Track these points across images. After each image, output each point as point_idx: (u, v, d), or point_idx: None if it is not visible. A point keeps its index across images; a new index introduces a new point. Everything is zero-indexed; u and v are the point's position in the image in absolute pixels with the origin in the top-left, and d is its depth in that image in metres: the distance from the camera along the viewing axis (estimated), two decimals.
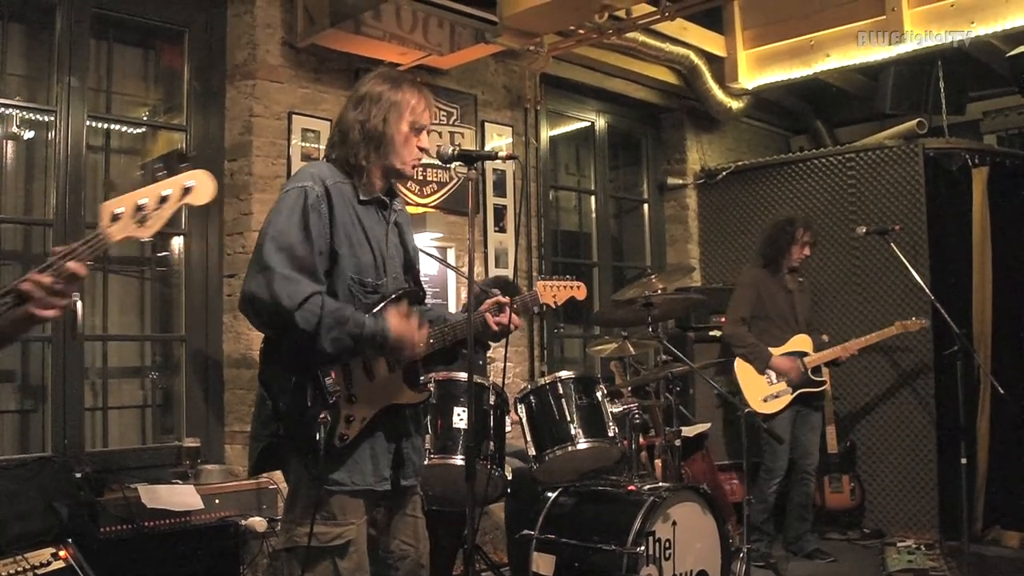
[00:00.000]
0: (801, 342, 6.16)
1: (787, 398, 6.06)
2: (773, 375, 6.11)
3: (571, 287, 3.66)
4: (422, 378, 3.21)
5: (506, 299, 3.35)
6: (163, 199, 2.28)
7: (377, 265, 3.11)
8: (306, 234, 2.92)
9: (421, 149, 3.17)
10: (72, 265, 2.14)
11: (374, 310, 3.03)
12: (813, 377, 6.08)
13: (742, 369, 6.19)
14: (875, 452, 6.91)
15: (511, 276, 6.08)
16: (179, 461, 4.92)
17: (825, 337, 6.34)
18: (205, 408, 5.27)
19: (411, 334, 3.02)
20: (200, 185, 2.34)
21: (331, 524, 2.97)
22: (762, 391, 6.10)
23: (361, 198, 3.09)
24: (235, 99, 5.37)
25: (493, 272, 6.37)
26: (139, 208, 2.25)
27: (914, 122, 7.04)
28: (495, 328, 3.31)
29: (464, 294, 5.87)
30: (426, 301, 3.42)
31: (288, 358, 2.93)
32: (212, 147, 5.36)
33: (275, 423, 2.95)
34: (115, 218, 2.23)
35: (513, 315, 3.33)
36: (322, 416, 2.90)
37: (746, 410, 5.34)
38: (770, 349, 6.14)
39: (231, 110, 5.38)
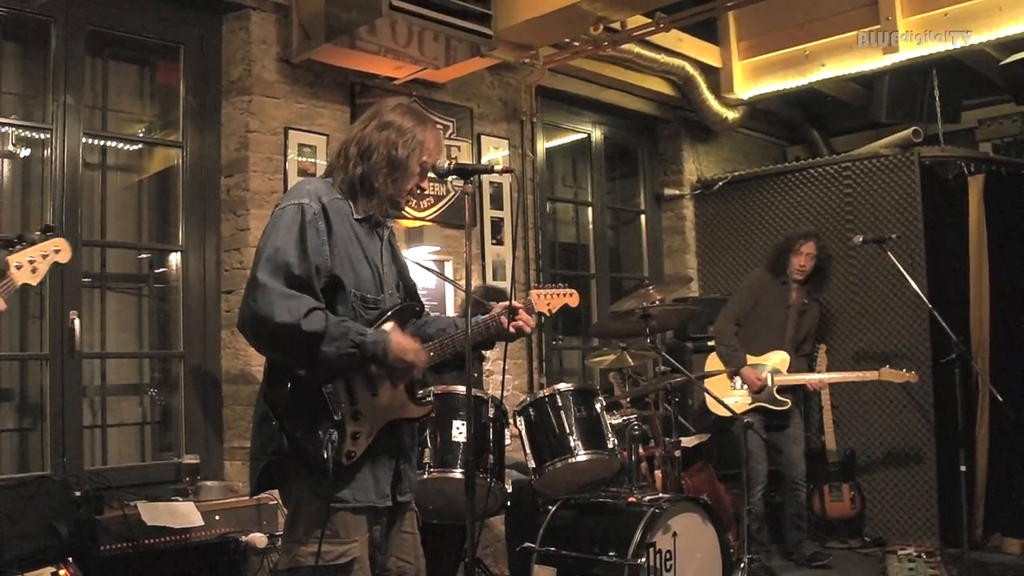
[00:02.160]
0: (777, 357, 6.18)
1: (744, 405, 6.09)
2: (739, 381, 6.15)
3: (564, 295, 3.67)
4: (419, 392, 3.22)
5: (519, 303, 3.39)
6: (44, 256, 3.35)
7: (375, 281, 3.13)
8: (303, 252, 2.93)
9: (420, 188, 3.22)
10: None
11: (374, 325, 3.04)
12: (777, 396, 6.09)
13: (712, 366, 6.24)
14: (875, 460, 6.91)
15: (508, 289, 6.07)
16: (178, 478, 4.90)
17: (823, 349, 6.33)
18: (204, 425, 5.26)
19: (412, 350, 3.04)
20: (63, 249, 3.42)
21: (335, 543, 2.96)
22: (723, 394, 6.06)
23: (356, 217, 3.12)
24: (231, 115, 5.37)
25: (491, 285, 6.35)
26: (31, 262, 3.30)
27: (909, 131, 7.06)
28: (512, 331, 3.34)
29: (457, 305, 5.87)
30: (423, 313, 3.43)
31: (292, 377, 2.94)
32: (208, 163, 5.37)
33: (278, 442, 2.95)
34: (18, 267, 3.27)
35: (527, 315, 3.37)
36: (329, 434, 2.90)
37: (746, 420, 5.33)
38: (748, 357, 6.17)
39: (227, 126, 5.39)
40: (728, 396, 6.09)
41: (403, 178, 3.15)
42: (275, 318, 2.82)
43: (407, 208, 5.87)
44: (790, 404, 6.13)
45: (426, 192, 3.26)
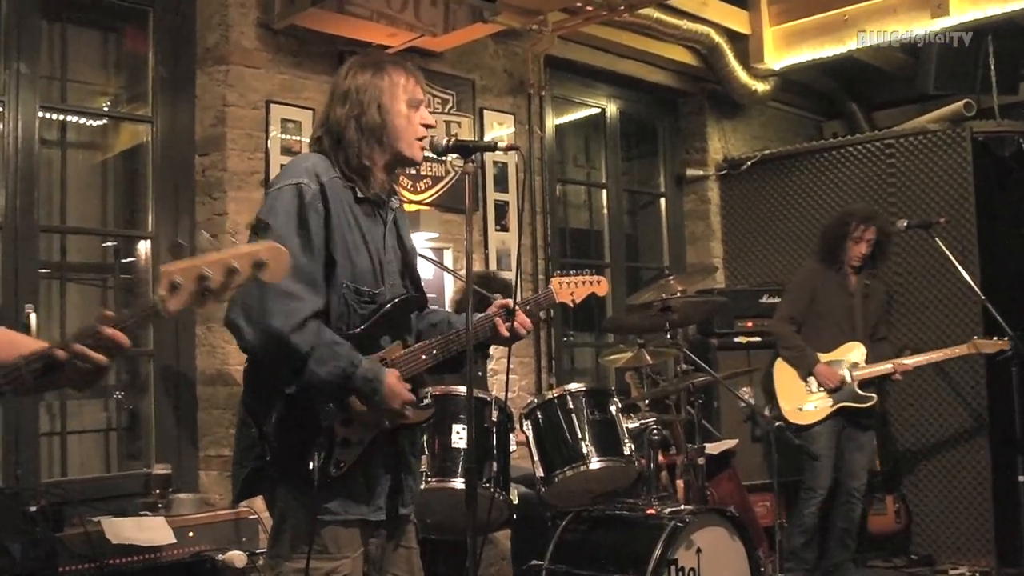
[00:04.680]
0: (852, 350, 6.06)
1: (826, 410, 5.98)
2: (814, 382, 6.04)
3: (590, 282, 3.65)
4: (419, 393, 3.19)
5: (513, 303, 3.33)
6: (231, 272, 2.13)
7: (375, 271, 3.11)
8: (305, 238, 2.92)
9: (425, 126, 3.17)
10: (112, 334, 2.08)
11: (368, 320, 3.03)
12: (860, 392, 5.96)
13: (781, 371, 6.14)
14: (922, 469, 6.87)
15: (513, 279, 6.04)
16: (147, 490, 4.87)
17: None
18: (176, 431, 5.25)
19: (402, 401, 3.01)
20: (275, 262, 2.21)
21: (324, 559, 2.95)
22: (799, 398, 6.03)
23: (358, 195, 3.09)
24: (206, 87, 5.36)
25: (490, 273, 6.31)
26: (202, 279, 2.10)
27: (961, 103, 7.00)
28: (505, 334, 3.30)
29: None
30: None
31: (275, 378, 2.92)
32: (181, 140, 5.35)
33: (260, 448, 2.94)
34: (174, 287, 2.08)
35: (525, 318, 3.33)
36: (316, 441, 2.89)
37: (775, 424, 5.29)
38: (818, 354, 6.06)
39: (202, 99, 5.37)
40: (806, 401, 6.02)
41: (394, 132, 3.11)
42: (265, 319, 2.81)
43: (402, 189, 5.85)
44: (876, 400, 6.04)
45: (432, 128, 3.19)
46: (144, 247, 5.35)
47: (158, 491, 4.81)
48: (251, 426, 2.95)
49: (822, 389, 6.02)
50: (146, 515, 4.56)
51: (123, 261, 5.49)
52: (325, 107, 3.20)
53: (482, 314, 3.32)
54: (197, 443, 5.26)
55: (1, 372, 2.08)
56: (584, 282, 3.64)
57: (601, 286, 3.67)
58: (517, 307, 3.30)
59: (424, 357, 3.17)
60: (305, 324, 2.84)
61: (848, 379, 5.98)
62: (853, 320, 6.15)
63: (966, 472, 6.66)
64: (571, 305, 3.61)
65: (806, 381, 6.07)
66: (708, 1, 7.35)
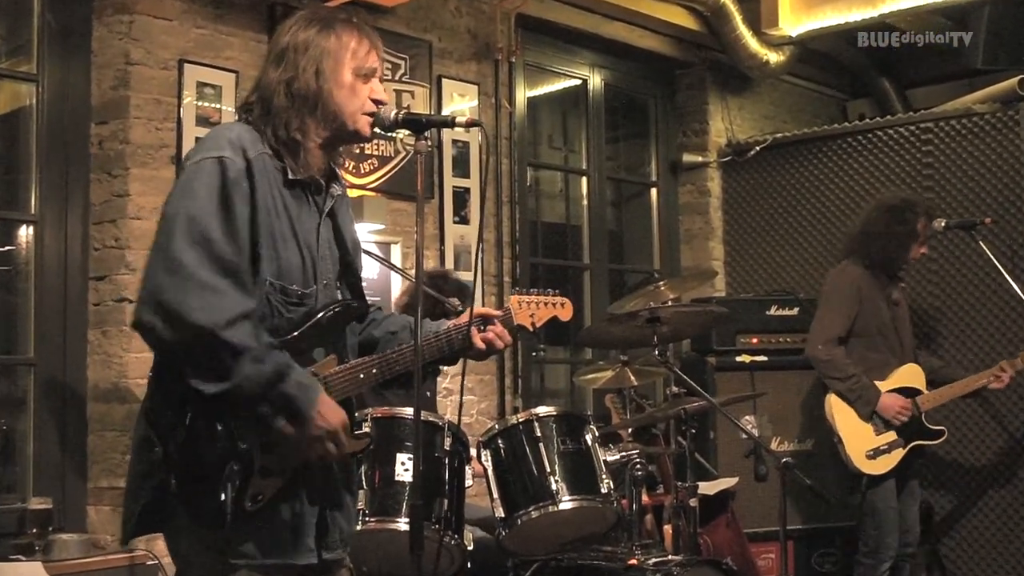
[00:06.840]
0: (910, 375, 6.02)
1: (899, 453, 5.89)
2: (879, 420, 5.93)
3: (552, 304, 3.68)
4: (358, 414, 3.20)
5: (496, 312, 3.40)
6: None
7: (305, 268, 3.10)
8: (229, 223, 2.90)
9: (376, 102, 3.14)
10: None
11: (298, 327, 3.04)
12: (929, 424, 5.95)
13: (841, 409, 5.96)
14: (957, 518, 6.92)
15: (474, 282, 6.06)
16: (22, 529, 4.86)
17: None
18: (60, 457, 5.22)
19: (334, 426, 2.99)
20: None
21: None
22: (867, 442, 5.88)
23: (289, 177, 3.08)
24: (105, 40, 5.35)
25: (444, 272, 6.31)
26: None
27: (1014, 80, 7.06)
28: (481, 346, 3.35)
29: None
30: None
31: (186, 389, 2.89)
32: (73, 105, 5.34)
33: (162, 475, 2.91)
34: None
35: (503, 329, 3.39)
36: (230, 468, 2.88)
37: (784, 460, 5.33)
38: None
39: (100, 55, 5.36)
40: (875, 443, 5.89)
41: (332, 104, 3.09)
42: (186, 315, 2.79)
43: (345, 173, 5.86)
44: (946, 433, 6.01)
45: (383, 106, 3.18)
46: (26, 233, 5.32)
47: (35, 530, 4.78)
48: (154, 445, 2.91)
49: (890, 427, 5.90)
50: (19, 559, 4.53)
51: None
52: (261, 69, 3.19)
53: (448, 322, 3.36)
54: (86, 472, 5.24)
55: None
56: (546, 303, 3.66)
57: (565, 310, 3.71)
58: (472, 325, 3.33)
59: (362, 376, 3.17)
60: (237, 322, 2.81)
61: (916, 411, 5.93)
62: (901, 337, 6.13)
63: (1012, 521, 6.71)
64: (530, 329, 3.64)
65: (869, 420, 5.91)
66: None
